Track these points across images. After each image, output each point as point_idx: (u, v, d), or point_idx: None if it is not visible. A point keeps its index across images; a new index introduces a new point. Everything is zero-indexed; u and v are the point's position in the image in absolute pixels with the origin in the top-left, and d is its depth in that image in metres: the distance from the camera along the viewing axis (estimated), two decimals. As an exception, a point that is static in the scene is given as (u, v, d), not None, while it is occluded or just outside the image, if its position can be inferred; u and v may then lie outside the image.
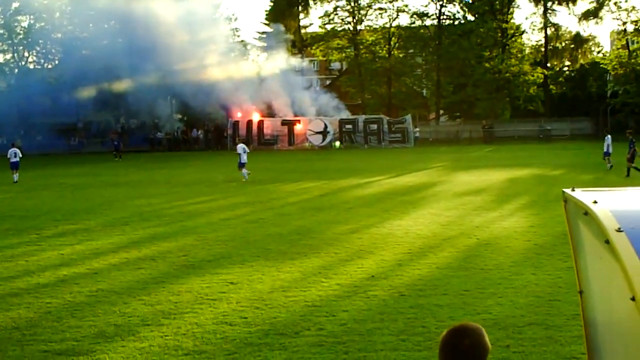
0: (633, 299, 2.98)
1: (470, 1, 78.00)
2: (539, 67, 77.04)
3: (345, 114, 67.30)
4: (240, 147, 34.69)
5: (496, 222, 19.21)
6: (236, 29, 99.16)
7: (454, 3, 78.70)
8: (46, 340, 9.76)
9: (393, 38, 79.77)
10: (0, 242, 18.00)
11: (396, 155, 52.34)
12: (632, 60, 71.92)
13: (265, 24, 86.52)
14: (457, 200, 24.17)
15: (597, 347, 4.28)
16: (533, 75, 75.40)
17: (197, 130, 71.02)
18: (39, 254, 16.11)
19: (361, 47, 79.27)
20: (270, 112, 67.43)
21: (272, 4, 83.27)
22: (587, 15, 78.27)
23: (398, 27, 79.69)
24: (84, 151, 66.52)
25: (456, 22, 79.15)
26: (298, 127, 65.53)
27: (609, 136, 33.98)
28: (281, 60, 67.49)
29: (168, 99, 69.61)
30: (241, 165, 34.06)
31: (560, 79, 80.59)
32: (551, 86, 78.57)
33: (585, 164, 37.06)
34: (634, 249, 3.12)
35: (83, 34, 70.03)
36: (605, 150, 34.05)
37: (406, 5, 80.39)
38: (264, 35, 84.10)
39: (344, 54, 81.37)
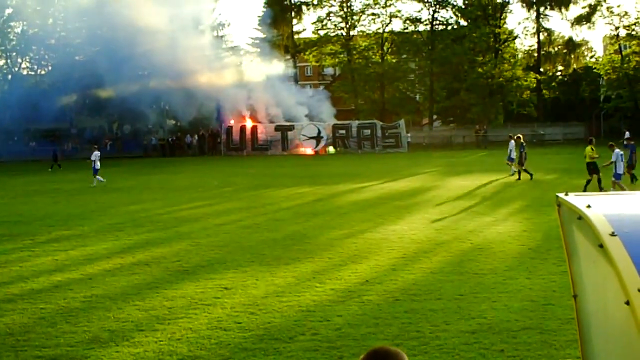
0: (627, 302, 3.00)
1: (463, 6, 78.12)
2: (531, 72, 77.22)
3: (332, 119, 67.33)
4: (95, 154, 36.14)
5: (490, 226, 19.25)
6: (228, 34, 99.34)
7: (447, 8, 78.86)
8: (40, 346, 9.75)
9: (386, 43, 79.86)
10: (-6, 248, 17.96)
11: (390, 160, 52.38)
12: (625, 65, 72.15)
13: (258, 29, 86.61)
14: (451, 205, 24.21)
15: (592, 351, 4.30)
16: (526, 80, 75.59)
17: (191, 136, 70.97)
18: (33, 260, 16.08)
19: (354, 52, 79.35)
20: (260, 118, 67.33)
21: (265, 10, 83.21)
22: (580, 20, 78.46)
23: (391, 32, 79.77)
24: (77, 157, 66.21)
25: (449, 27, 79.27)
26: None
27: (512, 142, 34.98)
28: (273, 66, 67.48)
29: (161, 105, 69.52)
30: (95, 172, 35.70)
31: (553, 83, 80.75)
32: (544, 91, 78.75)
33: (578, 168, 37.04)
34: (628, 253, 3.14)
35: (76, 40, 69.90)
36: (508, 155, 35.31)
37: (399, 11, 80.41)
38: (257, 41, 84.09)
39: (337, 60, 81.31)
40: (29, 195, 32.10)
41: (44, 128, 69.65)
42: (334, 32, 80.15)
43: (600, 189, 26.11)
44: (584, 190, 26.16)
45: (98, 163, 35.76)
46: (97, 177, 35.54)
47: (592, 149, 27.73)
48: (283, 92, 65.80)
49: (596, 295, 4.05)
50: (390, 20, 79.27)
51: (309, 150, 64.65)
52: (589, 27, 79.23)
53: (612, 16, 74.74)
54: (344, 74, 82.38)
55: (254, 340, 9.77)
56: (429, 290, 12.23)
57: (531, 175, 32.39)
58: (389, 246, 16.52)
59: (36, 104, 62.16)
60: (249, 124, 66.31)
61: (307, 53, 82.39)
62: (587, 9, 77.12)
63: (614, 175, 26.74)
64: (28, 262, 15.80)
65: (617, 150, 26.76)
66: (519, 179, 32.75)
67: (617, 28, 75.25)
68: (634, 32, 74.00)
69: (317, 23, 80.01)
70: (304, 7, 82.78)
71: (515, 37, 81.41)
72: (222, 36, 78.94)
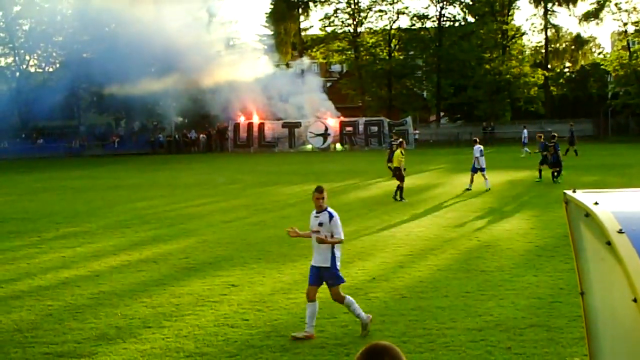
0: (635, 300, 2.98)
1: (471, 3, 77.89)
2: (539, 69, 76.92)
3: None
4: None
5: (497, 223, 19.21)
6: (236, 31, 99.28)
7: (454, 5, 78.60)
8: (48, 342, 9.77)
9: (393, 40, 79.68)
10: (2, 244, 18.02)
11: (397, 157, 52.16)
12: (633, 62, 71.80)
13: (266, 26, 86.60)
14: (458, 202, 24.18)
15: (599, 349, 4.28)
16: (533, 77, 75.27)
17: (196, 133, 70.94)
18: (40, 257, 16.13)
19: (361, 49, 79.18)
20: (266, 115, 67.30)
21: (272, 6, 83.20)
22: (588, 16, 78.12)
23: (398, 29, 79.57)
24: (85, 154, 66.41)
25: (456, 24, 79.01)
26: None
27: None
28: (280, 63, 67.48)
29: (168, 102, 69.53)
30: None
31: (561, 80, 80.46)
32: (552, 87, 78.47)
33: (586, 165, 37.04)
34: (636, 251, 3.12)
35: (83, 37, 69.95)
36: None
37: (406, 7, 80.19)
38: (264, 38, 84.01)
39: (344, 56, 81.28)
40: (35, 192, 32.16)
41: (51, 125, 69.76)
42: (341, 28, 79.96)
43: (401, 198, 24.86)
44: (395, 197, 25.24)
45: None
46: None
47: (401, 153, 26.25)
48: (290, 88, 65.71)
49: (603, 293, 4.03)
50: (398, 17, 79.07)
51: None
52: (597, 24, 78.77)
53: (620, 12, 74.41)
54: (351, 71, 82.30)
55: (261, 337, 9.78)
56: (436, 287, 12.22)
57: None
58: (396, 243, 16.51)
59: (43, 101, 62.23)
60: (256, 120, 66.32)
61: (314, 50, 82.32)
62: (595, 5, 76.77)
63: (474, 169, 27.08)
64: (35, 259, 15.85)
65: (477, 146, 27.09)
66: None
67: (625, 24, 74.93)
68: (642, 29, 73.73)
69: (324, 20, 79.89)
70: (311, 4, 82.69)
71: (523, 34, 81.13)
72: (229, 33, 78.97)
